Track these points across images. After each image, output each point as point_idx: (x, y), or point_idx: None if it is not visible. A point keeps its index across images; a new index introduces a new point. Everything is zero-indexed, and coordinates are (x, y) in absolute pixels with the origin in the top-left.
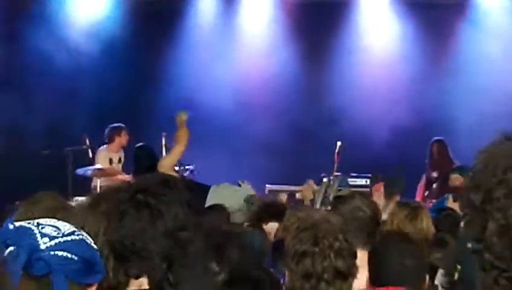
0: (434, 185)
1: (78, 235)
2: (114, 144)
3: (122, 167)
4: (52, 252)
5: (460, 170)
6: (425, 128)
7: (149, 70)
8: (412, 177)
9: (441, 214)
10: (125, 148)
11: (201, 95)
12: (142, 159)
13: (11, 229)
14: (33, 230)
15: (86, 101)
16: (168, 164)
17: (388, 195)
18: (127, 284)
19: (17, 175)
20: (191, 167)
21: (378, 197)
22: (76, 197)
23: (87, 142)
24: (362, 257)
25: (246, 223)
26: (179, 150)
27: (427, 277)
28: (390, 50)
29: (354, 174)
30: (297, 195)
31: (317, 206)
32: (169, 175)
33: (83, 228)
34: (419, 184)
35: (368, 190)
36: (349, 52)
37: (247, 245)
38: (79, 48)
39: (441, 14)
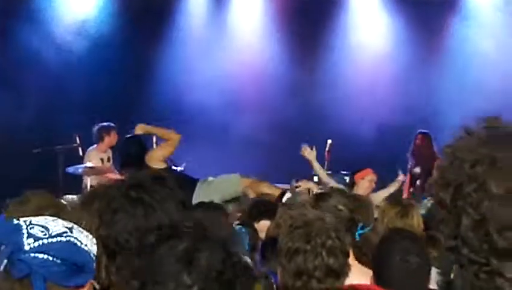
0: (418, 182)
1: (66, 236)
2: (103, 143)
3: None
4: (33, 254)
5: None
6: (414, 126)
7: (139, 68)
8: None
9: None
10: (113, 147)
11: (191, 92)
12: (131, 148)
13: (5, 226)
14: (22, 229)
15: (76, 99)
16: (157, 156)
17: None
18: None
19: (7, 174)
20: (181, 167)
21: (362, 186)
22: (67, 196)
23: (78, 140)
24: None
25: (236, 222)
26: (169, 146)
27: None
28: (380, 47)
29: (343, 172)
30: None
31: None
32: (162, 172)
33: None
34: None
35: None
36: (339, 49)
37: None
38: (69, 45)
39: (431, 10)
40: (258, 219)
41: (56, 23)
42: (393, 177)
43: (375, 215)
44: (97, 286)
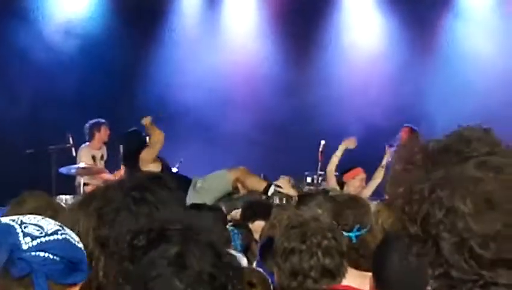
0: None
1: (61, 234)
2: (95, 140)
3: (105, 164)
4: (33, 253)
5: None
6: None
7: (132, 68)
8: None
9: None
10: (108, 145)
11: (183, 92)
12: (130, 143)
13: None
14: (16, 229)
15: (69, 98)
16: (147, 158)
17: None
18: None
19: (1, 174)
20: (174, 169)
21: (353, 186)
22: (60, 196)
23: (71, 140)
24: None
25: (231, 223)
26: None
27: None
28: (373, 46)
29: (335, 174)
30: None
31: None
32: (162, 173)
33: (73, 228)
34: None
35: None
36: (332, 48)
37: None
38: (61, 45)
39: (426, 10)
40: (253, 219)
41: (48, 22)
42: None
43: None
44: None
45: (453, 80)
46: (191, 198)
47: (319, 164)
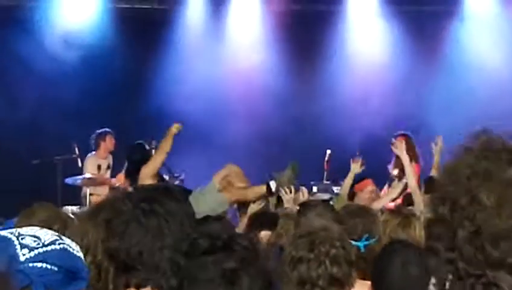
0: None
1: (59, 243)
2: (100, 150)
3: (111, 174)
4: (31, 264)
5: None
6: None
7: (134, 79)
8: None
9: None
10: (114, 155)
11: (187, 103)
12: (133, 155)
13: None
14: (13, 241)
15: (75, 109)
16: (147, 172)
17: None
18: None
19: (6, 185)
20: (180, 176)
21: (362, 198)
22: (66, 207)
23: (77, 151)
24: None
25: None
26: (158, 158)
27: None
28: (377, 56)
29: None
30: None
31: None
32: (171, 185)
33: (82, 239)
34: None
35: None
36: (336, 59)
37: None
38: (65, 56)
39: (429, 21)
40: (259, 229)
41: (52, 33)
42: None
43: None
44: None
45: (456, 88)
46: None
47: (325, 173)
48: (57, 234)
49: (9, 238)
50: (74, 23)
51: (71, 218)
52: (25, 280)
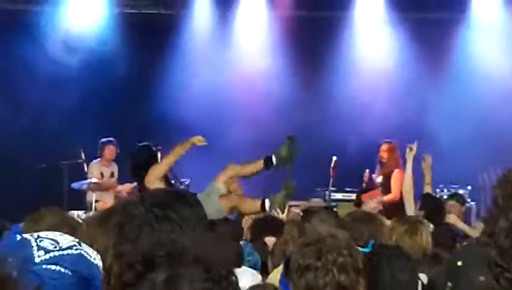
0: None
1: (76, 249)
2: (103, 157)
3: (116, 182)
4: (44, 266)
5: (457, 197)
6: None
7: (142, 83)
8: None
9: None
10: (118, 161)
11: (193, 109)
12: (138, 157)
13: (14, 241)
14: (31, 242)
15: (78, 114)
16: (156, 173)
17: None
18: None
19: (13, 189)
20: (186, 181)
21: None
22: (72, 211)
23: (83, 156)
24: None
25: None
26: (168, 161)
27: None
28: (383, 64)
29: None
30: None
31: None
32: (184, 190)
33: (91, 245)
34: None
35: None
36: (343, 66)
37: None
38: (70, 61)
39: (435, 29)
40: (263, 235)
41: (59, 38)
42: None
43: None
44: None
45: (462, 96)
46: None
47: (331, 179)
48: (77, 240)
49: (29, 240)
50: (80, 28)
51: (79, 223)
52: (36, 281)
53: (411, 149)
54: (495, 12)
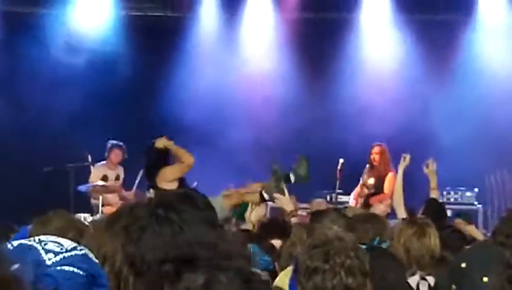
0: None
1: (80, 249)
2: (109, 160)
3: (123, 185)
4: (58, 267)
5: (464, 216)
6: (413, 145)
7: (149, 86)
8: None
9: (447, 230)
10: (124, 163)
11: (200, 112)
12: (149, 156)
13: (12, 247)
14: (36, 247)
15: (86, 116)
16: (166, 177)
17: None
18: None
19: (19, 192)
20: (193, 184)
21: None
22: (78, 214)
23: (89, 158)
24: None
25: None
26: (180, 168)
27: None
28: (389, 65)
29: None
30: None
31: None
32: (191, 191)
33: (99, 249)
34: (354, 191)
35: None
36: (350, 67)
37: None
38: (79, 63)
39: (442, 31)
40: (269, 237)
41: (65, 41)
42: None
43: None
44: None
45: (469, 97)
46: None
47: (338, 182)
48: (74, 242)
49: (32, 245)
50: (86, 30)
51: (86, 226)
52: (51, 283)
53: (404, 159)
54: (501, 15)
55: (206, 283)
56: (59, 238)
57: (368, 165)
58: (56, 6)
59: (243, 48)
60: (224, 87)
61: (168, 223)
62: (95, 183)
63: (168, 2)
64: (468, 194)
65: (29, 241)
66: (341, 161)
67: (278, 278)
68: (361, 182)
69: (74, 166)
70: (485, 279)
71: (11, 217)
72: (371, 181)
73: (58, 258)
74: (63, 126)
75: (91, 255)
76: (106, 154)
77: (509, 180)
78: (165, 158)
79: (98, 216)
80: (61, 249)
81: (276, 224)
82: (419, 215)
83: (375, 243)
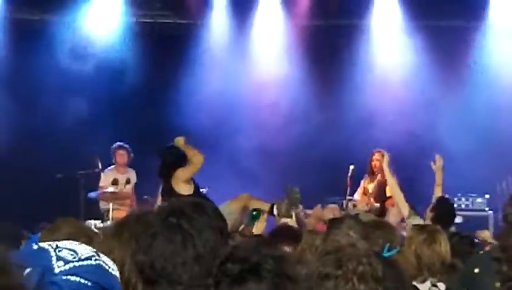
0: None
1: (95, 260)
2: (117, 163)
3: (135, 188)
4: (64, 277)
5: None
6: (420, 153)
7: (159, 92)
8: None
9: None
10: (134, 167)
11: (209, 116)
12: (167, 156)
13: (32, 250)
14: (50, 252)
15: (96, 122)
16: (181, 178)
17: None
18: None
19: (30, 198)
20: (204, 190)
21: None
22: (89, 221)
23: (100, 165)
24: None
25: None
26: (191, 168)
27: None
28: (398, 73)
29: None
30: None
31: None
32: (202, 200)
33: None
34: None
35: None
36: (359, 74)
37: None
38: (88, 69)
39: (452, 38)
40: (280, 243)
41: (75, 47)
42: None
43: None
44: None
45: (479, 104)
46: None
47: (348, 189)
48: (95, 250)
49: (47, 250)
50: (96, 37)
51: (96, 233)
52: None
53: (383, 156)
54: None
55: None
56: (79, 245)
57: (366, 175)
58: (66, 13)
59: (253, 55)
60: (234, 94)
61: (178, 231)
62: (105, 190)
63: (178, 9)
64: (479, 200)
65: (47, 245)
66: (351, 167)
67: None
68: (359, 190)
69: (85, 173)
70: (498, 284)
71: (22, 224)
72: (371, 187)
73: (67, 267)
74: (72, 133)
75: (108, 267)
76: (113, 157)
77: None
78: (181, 160)
79: (107, 223)
80: (74, 257)
81: (288, 230)
82: (428, 212)
83: (386, 251)
